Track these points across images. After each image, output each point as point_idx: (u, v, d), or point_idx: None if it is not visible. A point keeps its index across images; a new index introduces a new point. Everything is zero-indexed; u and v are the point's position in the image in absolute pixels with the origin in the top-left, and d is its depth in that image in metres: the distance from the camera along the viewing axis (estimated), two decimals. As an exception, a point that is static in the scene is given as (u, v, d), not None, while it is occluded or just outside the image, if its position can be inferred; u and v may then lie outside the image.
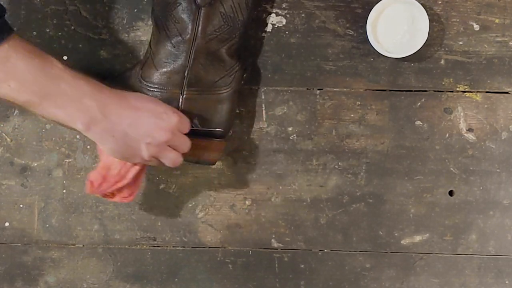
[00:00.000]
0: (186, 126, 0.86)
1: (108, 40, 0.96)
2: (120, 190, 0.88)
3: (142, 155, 0.82)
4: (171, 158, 0.84)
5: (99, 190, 0.87)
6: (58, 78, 0.76)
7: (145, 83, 0.88)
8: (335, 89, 0.97)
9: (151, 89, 0.88)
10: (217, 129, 0.91)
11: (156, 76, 0.88)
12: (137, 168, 0.86)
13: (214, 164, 0.93)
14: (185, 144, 0.86)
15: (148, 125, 0.81)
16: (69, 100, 0.76)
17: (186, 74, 0.88)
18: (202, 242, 0.98)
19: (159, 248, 0.98)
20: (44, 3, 0.96)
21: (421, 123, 0.97)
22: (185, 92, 0.89)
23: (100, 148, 0.84)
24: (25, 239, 0.98)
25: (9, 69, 0.73)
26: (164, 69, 0.88)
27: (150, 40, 0.90)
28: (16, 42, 0.74)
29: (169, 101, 0.88)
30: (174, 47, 0.87)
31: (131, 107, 0.81)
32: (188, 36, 0.87)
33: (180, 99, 0.89)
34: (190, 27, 0.86)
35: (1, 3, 0.76)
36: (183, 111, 0.89)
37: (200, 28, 0.86)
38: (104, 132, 0.79)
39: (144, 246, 0.98)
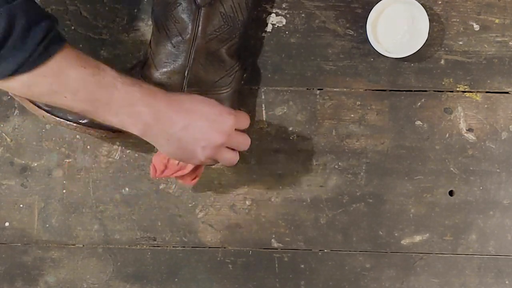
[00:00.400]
0: (244, 123, 0.85)
1: (108, 40, 0.96)
2: (182, 177, 0.89)
3: (198, 157, 0.81)
4: (228, 158, 0.83)
5: (162, 175, 0.88)
6: (110, 87, 0.75)
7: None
8: (335, 89, 0.97)
9: None
10: None
11: (156, 76, 0.88)
12: None
13: (214, 164, 0.93)
14: (244, 142, 0.85)
15: (202, 129, 0.80)
16: (121, 108, 0.76)
17: (186, 74, 0.88)
18: (202, 242, 0.98)
19: (159, 248, 0.98)
20: (44, 3, 0.96)
21: (421, 123, 0.97)
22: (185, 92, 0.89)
23: None
24: (25, 239, 0.98)
25: (63, 80, 0.73)
26: (164, 69, 0.88)
27: (150, 40, 0.90)
28: (68, 52, 0.73)
29: None
30: (174, 47, 0.87)
31: (184, 110, 0.79)
32: (188, 36, 0.87)
33: None
34: (190, 27, 0.86)
35: (54, 14, 0.76)
36: None
37: (200, 28, 0.87)
38: (158, 137, 0.79)
39: (144, 246, 0.98)
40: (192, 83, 0.89)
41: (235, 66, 0.91)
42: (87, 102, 0.75)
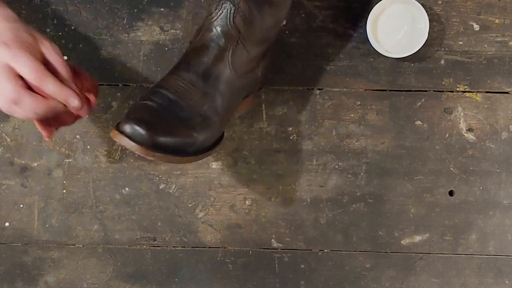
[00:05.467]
0: (18, 65, 0.76)
1: (108, 40, 0.96)
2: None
3: None
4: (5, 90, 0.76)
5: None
6: None
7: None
8: (335, 89, 0.97)
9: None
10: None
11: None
12: None
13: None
14: (29, 65, 0.76)
15: None
16: None
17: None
18: (202, 242, 0.98)
19: (159, 248, 0.98)
20: (44, 3, 0.96)
21: (421, 123, 0.97)
22: None
23: None
24: (25, 239, 0.98)
25: None
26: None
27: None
28: None
29: None
30: None
31: None
32: None
33: None
34: None
35: None
36: None
37: None
38: None
39: (144, 246, 0.98)
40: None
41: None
42: None
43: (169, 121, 0.81)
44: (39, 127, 0.84)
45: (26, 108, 0.77)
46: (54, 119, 0.85)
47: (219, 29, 0.83)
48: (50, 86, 0.78)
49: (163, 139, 0.79)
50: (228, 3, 0.82)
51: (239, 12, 0.82)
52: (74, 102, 0.79)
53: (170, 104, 0.81)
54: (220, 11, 0.83)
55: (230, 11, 0.82)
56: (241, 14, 0.83)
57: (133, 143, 0.78)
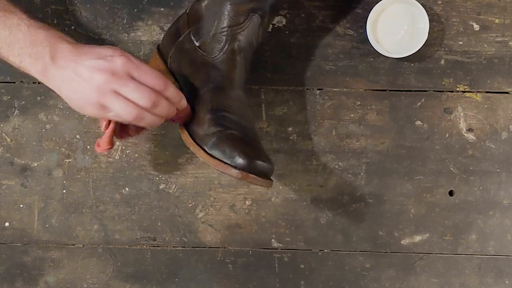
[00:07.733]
0: (143, 74, 0.77)
1: (108, 40, 0.96)
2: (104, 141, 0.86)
3: (89, 99, 0.76)
4: (121, 108, 0.76)
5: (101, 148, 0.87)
6: (14, 27, 0.76)
7: None
8: (335, 89, 0.97)
9: None
10: None
11: None
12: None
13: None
14: (141, 93, 0.76)
15: (89, 67, 0.75)
16: (23, 48, 0.76)
17: None
18: (202, 242, 0.98)
19: (159, 248, 0.98)
20: (44, 3, 0.96)
21: (421, 123, 0.97)
22: None
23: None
24: (25, 239, 0.98)
25: None
26: None
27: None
28: None
29: None
30: None
31: (81, 52, 0.76)
32: None
33: None
34: None
35: None
36: None
37: None
38: (55, 77, 0.76)
39: (144, 246, 0.98)
40: None
41: None
42: None
43: (257, 145, 0.84)
44: (108, 141, 0.85)
45: (162, 111, 0.78)
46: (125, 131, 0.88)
47: (244, 39, 0.85)
48: (171, 89, 0.79)
49: (267, 165, 0.82)
50: (257, 15, 0.83)
51: (263, 24, 0.85)
52: (184, 102, 0.82)
53: (240, 127, 0.83)
54: (249, 23, 0.84)
55: (257, 23, 0.85)
56: (264, 26, 0.86)
57: (269, 180, 0.82)
